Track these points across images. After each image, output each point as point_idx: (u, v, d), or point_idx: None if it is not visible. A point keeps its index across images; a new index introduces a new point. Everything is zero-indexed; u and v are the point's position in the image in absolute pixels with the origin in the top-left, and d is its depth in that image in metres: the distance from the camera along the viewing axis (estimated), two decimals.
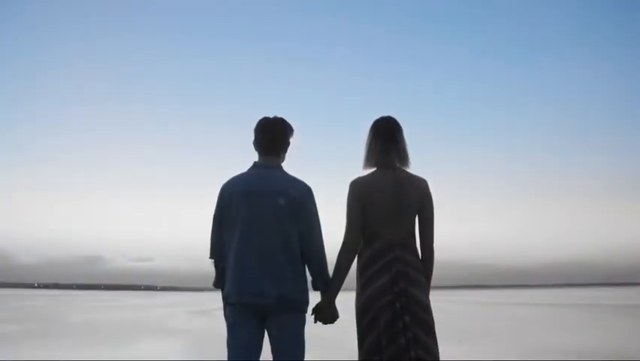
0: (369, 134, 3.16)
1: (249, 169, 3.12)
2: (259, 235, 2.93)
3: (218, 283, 3.13)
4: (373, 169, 3.10)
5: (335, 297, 3.04)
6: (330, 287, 3.03)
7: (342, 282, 3.02)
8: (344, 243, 3.00)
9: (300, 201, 2.98)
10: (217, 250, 3.09)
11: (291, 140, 3.21)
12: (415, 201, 3.01)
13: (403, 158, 3.10)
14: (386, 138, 3.09)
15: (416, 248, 3.03)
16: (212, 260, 3.12)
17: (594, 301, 39.71)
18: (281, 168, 3.14)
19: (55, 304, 37.82)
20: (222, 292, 3.07)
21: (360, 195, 3.01)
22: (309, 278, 3.07)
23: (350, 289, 3.18)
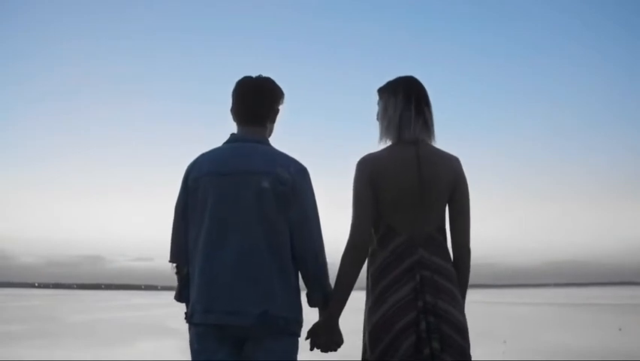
0: (387, 97, 2.30)
1: (224, 143, 2.28)
2: (235, 231, 2.12)
3: (182, 296, 2.28)
4: (389, 144, 2.29)
5: (338, 315, 2.20)
6: (331, 302, 2.19)
7: (348, 295, 2.21)
8: (350, 242, 2.18)
9: (291, 184, 2.14)
10: (180, 251, 2.25)
11: (281, 107, 2.38)
12: (445, 184, 2.21)
13: (432, 131, 2.27)
14: (410, 102, 2.25)
15: (446, 248, 2.23)
16: (174, 264, 2.29)
17: (598, 301, 39.60)
18: (267, 141, 2.29)
19: (56, 304, 37.79)
20: (186, 309, 2.24)
21: (371, 177, 2.19)
22: (304, 290, 2.26)
23: (359, 288, 2.34)
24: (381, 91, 2.34)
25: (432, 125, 2.27)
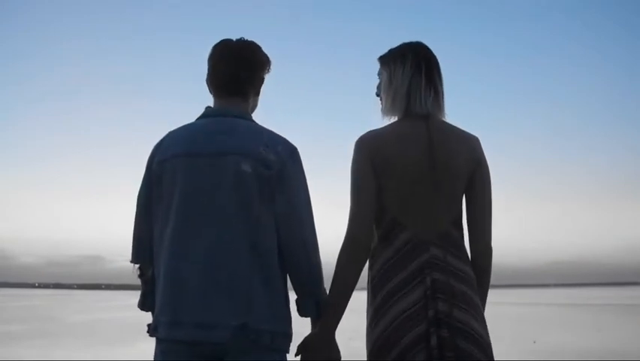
0: (392, 65, 1.92)
1: (198, 119, 1.89)
2: (208, 226, 1.73)
3: (146, 304, 1.90)
4: (394, 119, 1.92)
5: (334, 327, 1.82)
6: (326, 311, 1.82)
7: (346, 302, 1.83)
8: (348, 237, 1.80)
9: (278, 168, 1.76)
10: (143, 250, 1.88)
11: (267, 75, 1.97)
12: (463, 168, 1.83)
13: (442, 106, 1.91)
14: (420, 69, 1.88)
15: (464, 246, 1.87)
16: (136, 266, 1.92)
17: (605, 302, 39.65)
18: (249, 116, 1.90)
19: (56, 304, 37.76)
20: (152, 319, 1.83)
21: (372, 158, 1.81)
22: (293, 297, 1.85)
23: (360, 288, 1.90)
24: (385, 59, 1.95)
25: (443, 99, 1.91)
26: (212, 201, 1.74)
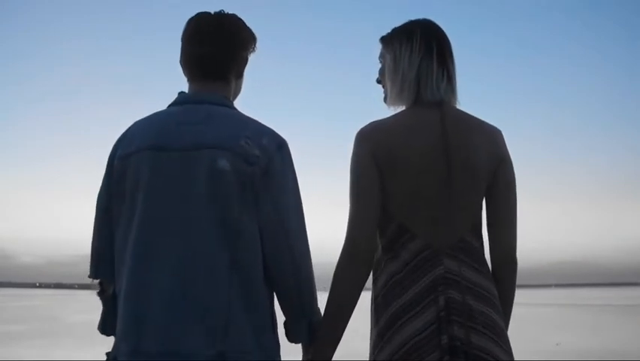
0: (398, 46, 1.64)
1: (169, 106, 1.61)
2: (177, 235, 1.45)
3: (107, 326, 1.62)
4: (402, 108, 1.65)
5: (330, 354, 1.56)
6: (320, 336, 1.56)
7: (344, 325, 1.57)
8: (346, 248, 1.55)
9: (263, 164, 1.47)
10: (103, 263, 1.58)
11: (252, 55, 1.67)
12: (484, 164, 1.56)
13: (456, 92, 1.65)
14: (431, 50, 1.61)
15: (484, 257, 1.60)
16: (96, 281, 1.62)
17: (603, 302, 39.70)
18: (230, 103, 1.61)
19: (57, 304, 37.78)
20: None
21: (376, 154, 1.54)
22: (281, 318, 1.57)
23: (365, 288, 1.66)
24: (388, 39, 1.67)
25: (456, 85, 1.64)
26: (183, 205, 1.45)
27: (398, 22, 1.70)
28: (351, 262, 1.54)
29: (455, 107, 1.63)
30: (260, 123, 1.56)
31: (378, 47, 1.71)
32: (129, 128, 1.60)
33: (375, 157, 1.55)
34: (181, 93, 1.62)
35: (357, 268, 1.55)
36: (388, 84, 1.66)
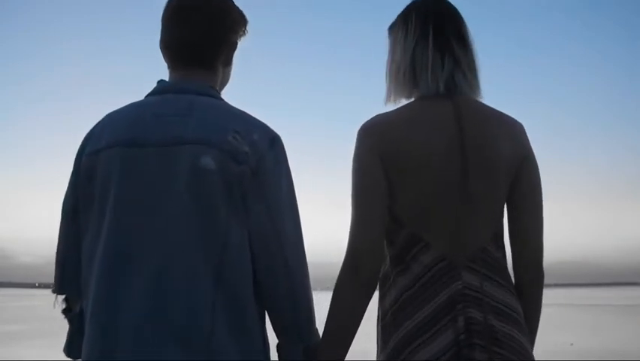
0: (395, 33, 1.46)
1: (146, 96, 1.40)
2: (153, 246, 1.25)
3: (72, 348, 1.41)
4: (409, 101, 1.45)
5: None
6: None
7: (346, 348, 1.35)
8: (347, 260, 1.34)
9: (254, 163, 1.28)
10: (69, 276, 1.39)
11: (241, 40, 1.48)
12: (506, 164, 1.36)
13: (472, 78, 1.41)
14: (427, 31, 1.40)
15: (507, 269, 1.40)
16: (61, 297, 1.44)
17: (603, 302, 39.76)
18: (215, 93, 1.41)
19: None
20: None
21: (381, 150, 1.34)
22: (274, 340, 1.37)
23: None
24: (390, 28, 1.50)
25: (474, 69, 1.41)
26: (160, 210, 1.24)
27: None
28: (353, 276, 1.31)
29: (471, 98, 1.40)
30: (250, 116, 1.35)
31: (386, 42, 1.52)
32: (100, 121, 1.40)
33: (380, 155, 1.33)
34: (160, 82, 1.41)
35: (360, 284, 1.31)
36: (386, 78, 1.47)
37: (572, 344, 11.19)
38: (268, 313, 1.35)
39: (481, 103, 1.42)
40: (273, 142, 1.33)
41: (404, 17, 1.45)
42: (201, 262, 1.23)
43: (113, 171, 1.28)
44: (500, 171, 1.35)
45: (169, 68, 1.43)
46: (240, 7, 1.47)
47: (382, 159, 1.34)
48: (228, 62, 1.48)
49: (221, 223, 1.25)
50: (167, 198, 1.25)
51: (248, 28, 1.48)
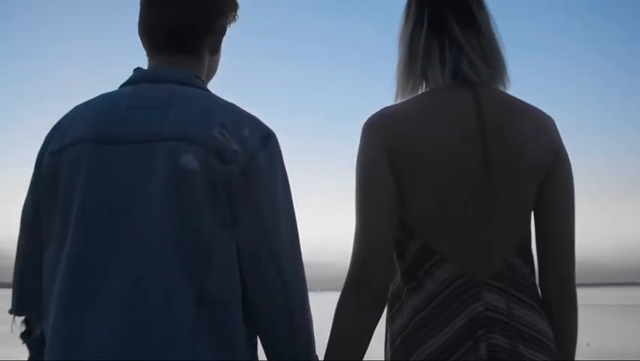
0: (404, 16, 1.28)
1: (121, 86, 1.21)
2: (124, 261, 1.05)
3: None
4: (421, 92, 1.26)
5: None
6: None
7: None
8: (350, 275, 1.15)
9: (244, 162, 1.09)
10: (29, 295, 1.20)
11: (231, 25, 1.30)
12: (535, 163, 1.17)
13: (488, 64, 1.20)
14: (422, 14, 1.23)
15: (535, 286, 1.21)
16: (19, 319, 1.23)
17: (603, 302, 39.83)
18: (200, 83, 1.21)
19: None
20: None
21: (389, 146, 1.16)
22: None
23: None
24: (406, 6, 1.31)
25: (490, 53, 1.20)
26: (133, 218, 1.05)
27: (395, 21, 1.59)
28: (358, 294, 1.12)
29: (493, 88, 1.21)
30: (240, 109, 1.16)
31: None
32: (66, 114, 1.20)
33: (388, 152, 1.15)
34: (137, 70, 1.21)
35: (366, 303, 1.12)
36: (398, 62, 1.28)
37: (588, 345, 11.18)
38: (260, 340, 1.14)
39: (505, 93, 1.22)
40: (267, 139, 1.13)
41: (407, 2, 1.29)
42: (181, 280, 1.03)
43: (79, 171, 1.09)
44: (528, 169, 1.16)
45: (148, 54, 1.23)
46: (240, 7, 1.29)
47: (389, 157, 1.15)
48: (216, 50, 1.27)
49: (205, 234, 1.05)
50: (141, 204, 1.05)
51: (239, 13, 1.30)
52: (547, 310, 1.18)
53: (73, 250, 1.07)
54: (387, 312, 1.21)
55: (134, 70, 1.21)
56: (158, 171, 1.06)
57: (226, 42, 1.30)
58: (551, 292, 1.20)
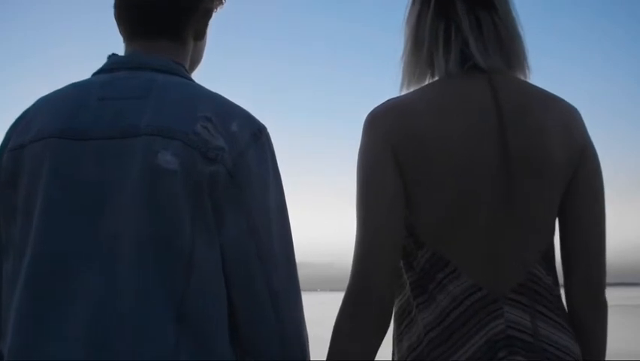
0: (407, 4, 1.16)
1: (93, 75, 1.06)
2: (92, 273, 0.91)
3: None
4: (432, 81, 1.11)
5: None
6: None
7: None
8: (352, 290, 1.01)
9: (232, 161, 0.95)
10: None
11: (217, 9, 1.14)
12: (559, 158, 1.03)
13: (513, 46, 1.08)
14: (428, 4, 1.09)
15: (560, 299, 1.07)
16: None
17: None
18: (182, 71, 1.06)
19: None
20: None
21: (395, 142, 1.03)
22: None
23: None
24: None
25: (517, 40, 1.07)
26: (103, 224, 0.92)
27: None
28: (358, 311, 0.98)
29: (512, 76, 1.08)
30: (228, 100, 1.02)
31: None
32: (30, 106, 1.06)
33: (393, 147, 1.01)
34: (111, 56, 1.06)
35: (369, 318, 0.99)
36: (403, 50, 1.15)
37: None
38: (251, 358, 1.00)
39: (525, 83, 1.09)
40: (258, 135, 1.00)
41: None
42: (157, 297, 0.89)
43: (42, 170, 0.94)
44: (553, 169, 1.02)
45: (124, 39, 1.09)
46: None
47: (395, 153, 1.02)
48: (201, 35, 1.13)
49: (185, 242, 0.91)
50: (112, 209, 0.92)
51: None
52: (573, 325, 1.05)
53: (33, 262, 0.93)
54: (394, 330, 1.07)
55: (109, 56, 1.07)
56: (133, 171, 0.92)
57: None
58: (579, 307, 1.06)
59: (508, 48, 1.06)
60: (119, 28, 1.10)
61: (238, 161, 0.95)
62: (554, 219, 1.07)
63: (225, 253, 0.94)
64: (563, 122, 1.06)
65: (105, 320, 0.89)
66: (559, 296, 1.06)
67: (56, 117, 0.98)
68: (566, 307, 1.07)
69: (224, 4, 1.16)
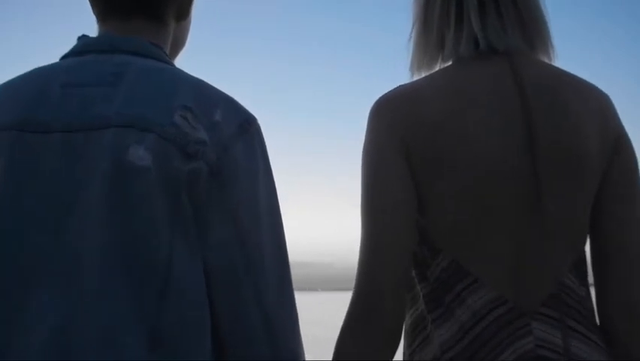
0: None
1: (61, 58, 0.91)
2: (52, 287, 0.74)
3: None
4: (445, 65, 0.97)
5: None
6: None
7: None
8: (357, 301, 0.87)
9: (214, 157, 0.79)
10: None
11: None
12: (592, 151, 0.87)
13: (535, 26, 0.93)
14: None
15: (593, 313, 0.92)
16: None
17: None
18: (161, 55, 0.91)
19: None
20: None
21: (405, 132, 0.88)
22: None
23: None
24: None
25: (539, 21, 0.94)
26: (66, 230, 0.78)
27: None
28: (364, 329, 0.86)
29: (535, 59, 0.95)
30: (211, 86, 0.89)
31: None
32: None
33: (402, 138, 0.89)
34: (81, 38, 0.93)
35: (376, 334, 0.86)
36: (413, 32, 1.02)
37: None
38: None
39: (551, 66, 0.96)
40: (246, 126, 0.85)
41: None
42: (127, 315, 0.75)
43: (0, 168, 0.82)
44: (587, 163, 0.88)
45: (97, 20, 0.95)
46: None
47: (405, 145, 0.89)
48: (184, 14, 0.99)
49: (161, 251, 0.77)
50: (75, 213, 0.78)
51: None
52: (607, 341, 0.91)
53: None
54: (405, 348, 0.94)
55: (78, 38, 0.93)
56: (100, 169, 0.79)
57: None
58: (615, 320, 0.92)
59: (531, 29, 0.93)
60: (92, 8, 0.96)
61: (222, 156, 0.81)
62: (587, 222, 0.92)
63: (208, 262, 0.80)
64: (595, 111, 0.91)
65: (67, 345, 0.74)
66: (592, 309, 0.93)
67: (15, 108, 0.84)
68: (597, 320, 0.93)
69: None
